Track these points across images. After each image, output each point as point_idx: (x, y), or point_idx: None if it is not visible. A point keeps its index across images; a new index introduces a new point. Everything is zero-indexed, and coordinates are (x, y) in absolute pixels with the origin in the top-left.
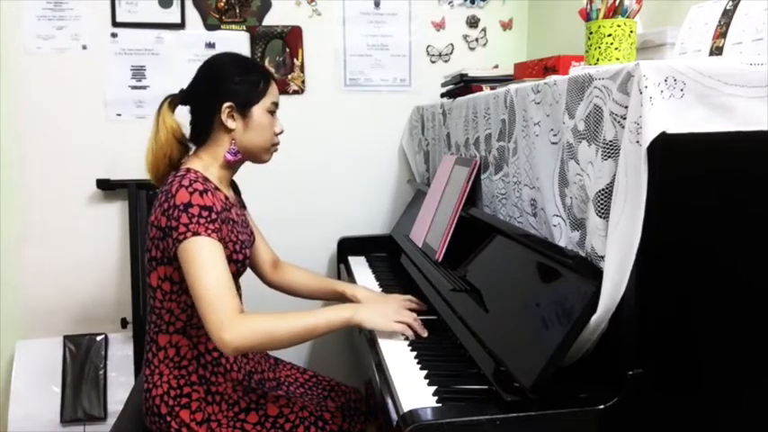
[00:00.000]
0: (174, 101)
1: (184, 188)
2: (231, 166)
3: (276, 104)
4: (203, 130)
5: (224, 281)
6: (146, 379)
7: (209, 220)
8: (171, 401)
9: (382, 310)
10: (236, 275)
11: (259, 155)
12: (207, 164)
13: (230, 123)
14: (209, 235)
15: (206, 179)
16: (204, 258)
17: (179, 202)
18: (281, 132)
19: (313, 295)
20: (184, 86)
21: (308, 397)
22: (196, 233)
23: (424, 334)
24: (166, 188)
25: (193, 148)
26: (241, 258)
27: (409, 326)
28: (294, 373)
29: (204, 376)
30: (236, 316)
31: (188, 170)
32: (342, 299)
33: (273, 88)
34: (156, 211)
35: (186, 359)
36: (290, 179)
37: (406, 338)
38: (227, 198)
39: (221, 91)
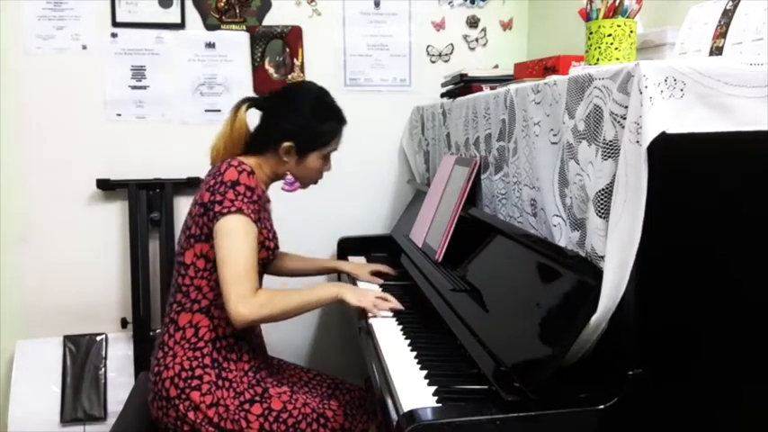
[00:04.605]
0: (252, 104)
1: (234, 167)
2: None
3: (335, 150)
4: (261, 146)
5: (252, 260)
6: (157, 362)
7: (251, 200)
8: (182, 383)
9: (363, 292)
10: (267, 262)
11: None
12: (255, 166)
13: (285, 158)
14: (249, 215)
15: (252, 172)
16: (242, 235)
17: (227, 179)
18: (329, 170)
19: (306, 274)
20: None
21: (311, 394)
22: (239, 210)
23: (395, 305)
24: (214, 171)
25: None
26: (272, 246)
27: (379, 308)
28: (298, 373)
29: (217, 360)
30: (254, 293)
31: (240, 161)
32: (333, 272)
33: (339, 138)
34: (202, 189)
35: (203, 340)
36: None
37: (407, 338)
38: (263, 192)
39: (291, 126)
